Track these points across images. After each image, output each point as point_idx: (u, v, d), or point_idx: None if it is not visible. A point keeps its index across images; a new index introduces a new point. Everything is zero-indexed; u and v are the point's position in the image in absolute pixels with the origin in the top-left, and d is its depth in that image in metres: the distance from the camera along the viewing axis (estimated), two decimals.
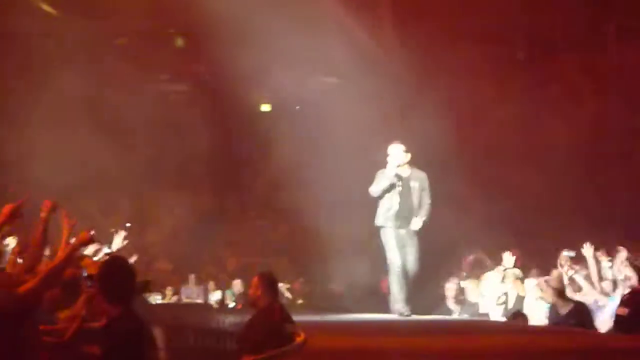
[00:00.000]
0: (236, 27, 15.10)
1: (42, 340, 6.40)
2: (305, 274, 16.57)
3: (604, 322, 10.11)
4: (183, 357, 10.11)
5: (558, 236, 13.05)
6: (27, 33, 16.94)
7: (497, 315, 11.38)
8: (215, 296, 16.10)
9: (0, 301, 5.90)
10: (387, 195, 11.03)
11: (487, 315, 11.53)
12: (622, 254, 10.94)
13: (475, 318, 11.56)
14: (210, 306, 15.02)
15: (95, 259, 9.75)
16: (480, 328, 10.51)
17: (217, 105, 18.17)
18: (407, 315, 10.95)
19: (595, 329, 9.94)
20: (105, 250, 11.17)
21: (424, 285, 11.72)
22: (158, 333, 9.36)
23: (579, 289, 10.68)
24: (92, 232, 6.65)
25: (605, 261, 10.90)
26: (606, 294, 10.58)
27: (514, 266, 11.90)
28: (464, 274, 12.72)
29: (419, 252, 11.12)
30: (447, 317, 11.83)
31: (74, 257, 6.73)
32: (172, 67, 18.89)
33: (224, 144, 18.35)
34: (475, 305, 11.83)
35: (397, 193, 11.00)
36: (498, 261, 12.17)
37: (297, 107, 18.25)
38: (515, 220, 14.45)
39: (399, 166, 11.02)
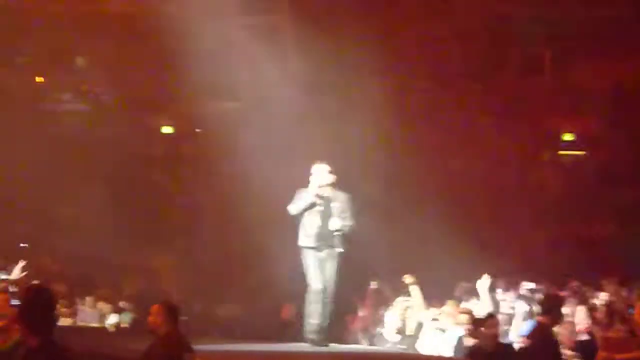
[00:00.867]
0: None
1: None
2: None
3: None
4: None
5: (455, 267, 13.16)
6: None
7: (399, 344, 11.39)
8: (111, 320, 15.79)
9: None
10: (307, 215, 10.70)
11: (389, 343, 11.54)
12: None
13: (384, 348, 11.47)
14: (106, 330, 14.75)
15: None
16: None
17: (117, 125, 18.02)
18: (322, 345, 10.31)
19: None
20: (2, 276, 10.89)
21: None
22: None
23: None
24: None
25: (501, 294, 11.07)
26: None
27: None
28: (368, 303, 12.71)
29: (337, 275, 10.39)
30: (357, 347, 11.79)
31: None
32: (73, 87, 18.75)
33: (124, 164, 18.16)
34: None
35: (318, 213, 10.43)
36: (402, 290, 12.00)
37: (198, 130, 18.26)
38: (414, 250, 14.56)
39: (320, 186, 10.55)
